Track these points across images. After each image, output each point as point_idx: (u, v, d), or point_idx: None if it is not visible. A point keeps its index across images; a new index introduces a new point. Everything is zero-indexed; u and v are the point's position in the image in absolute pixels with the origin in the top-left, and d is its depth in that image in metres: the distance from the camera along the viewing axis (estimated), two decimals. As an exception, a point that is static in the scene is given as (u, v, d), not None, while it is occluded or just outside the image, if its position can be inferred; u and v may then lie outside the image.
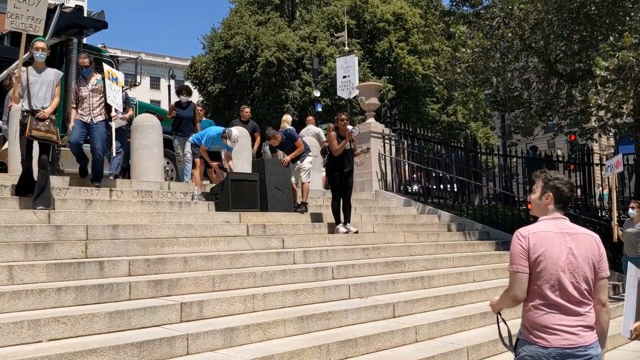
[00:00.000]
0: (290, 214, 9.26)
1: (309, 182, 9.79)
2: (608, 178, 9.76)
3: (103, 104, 8.15)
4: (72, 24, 11.03)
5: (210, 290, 5.89)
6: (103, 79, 8.18)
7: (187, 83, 37.26)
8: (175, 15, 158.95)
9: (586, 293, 2.98)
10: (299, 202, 9.65)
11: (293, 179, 9.76)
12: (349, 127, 9.05)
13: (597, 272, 3.03)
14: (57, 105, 7.15)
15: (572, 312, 2.94)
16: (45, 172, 6.89)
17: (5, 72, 9.92)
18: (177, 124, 10.69)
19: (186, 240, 6.98)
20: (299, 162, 9.65)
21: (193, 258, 6.43)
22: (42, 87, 6.94)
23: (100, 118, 8.11)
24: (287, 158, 9.53)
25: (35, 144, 6.98)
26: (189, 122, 10.71)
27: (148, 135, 9.76)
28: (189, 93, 10.93)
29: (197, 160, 9.31)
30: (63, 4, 10.70)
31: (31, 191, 6.85)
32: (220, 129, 9.41)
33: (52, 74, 7.15)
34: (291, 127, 11.19)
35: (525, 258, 2.99)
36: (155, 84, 60.43)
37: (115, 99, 8.35)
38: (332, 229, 9.10)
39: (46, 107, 6.91)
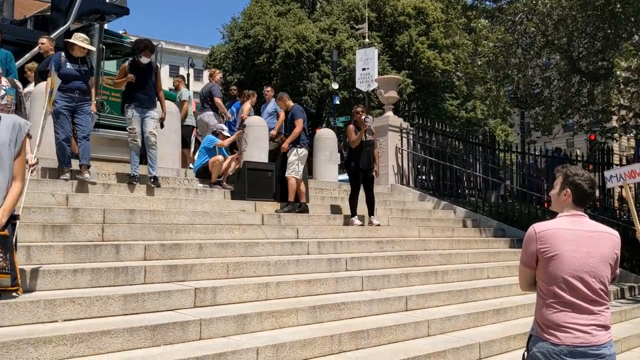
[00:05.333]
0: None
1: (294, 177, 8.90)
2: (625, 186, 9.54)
3: None
4: (94, 10, 11.11)
5: (224, 277, 5.93)
6: (14, 87, 5.48)
7: (206, 73, 37.23)
8: (196, 3, 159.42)
9: (601, 292, 2.94)
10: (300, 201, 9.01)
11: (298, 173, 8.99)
12: (363, 116, 9.08)
13: (612, 271, 3.00)
14: (20, 191, 4.05)
15: (585, 310, 2.90)
16: None
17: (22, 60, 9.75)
18: (134, 90, 7.97)
19: (202, 227, 7.01)
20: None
21: (208, 245, 6.46)
22: None
23: None
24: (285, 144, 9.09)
25: None
26: (151, 88, 8.15)
27: (166, 121, 9.76)
28: (152, 51, 8.29)
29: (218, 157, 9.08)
30: (86, -11, 10.74)
31: None
32: (211, 137, 9.46)
33: (6, 131, 3.88)
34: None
35: (532, 254, 2.99)
36: (174, 72, 60.83)
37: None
38: (347, 220, 9.10)
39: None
